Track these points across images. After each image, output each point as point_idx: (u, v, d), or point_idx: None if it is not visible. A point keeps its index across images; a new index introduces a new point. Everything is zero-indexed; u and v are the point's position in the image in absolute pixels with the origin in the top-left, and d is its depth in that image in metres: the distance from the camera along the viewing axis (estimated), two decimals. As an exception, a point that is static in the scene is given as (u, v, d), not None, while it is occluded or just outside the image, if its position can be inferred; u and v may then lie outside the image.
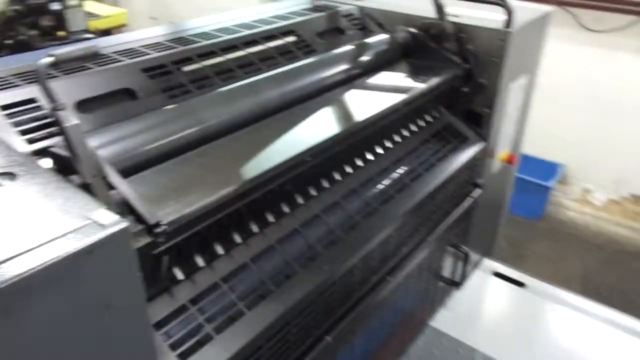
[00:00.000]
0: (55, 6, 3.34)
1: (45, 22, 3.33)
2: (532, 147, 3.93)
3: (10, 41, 3.05)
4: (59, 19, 3.36)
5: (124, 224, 0.57)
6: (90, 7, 4.15)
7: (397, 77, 1.36)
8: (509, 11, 1.37)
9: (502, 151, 1.67)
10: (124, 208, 0.72)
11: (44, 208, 0.59)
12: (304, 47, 1.35)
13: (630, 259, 3.64)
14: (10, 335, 0.51)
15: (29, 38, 3.16)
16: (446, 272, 1.64)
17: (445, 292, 1.71)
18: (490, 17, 1.45)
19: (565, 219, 4.05)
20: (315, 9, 1.56)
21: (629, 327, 1.62)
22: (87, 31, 3.47)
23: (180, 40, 1.21)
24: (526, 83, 1.63)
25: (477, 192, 1.53)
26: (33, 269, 0.50)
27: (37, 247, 0.53)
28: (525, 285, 1.81)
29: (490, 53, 1.42)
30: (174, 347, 0.80)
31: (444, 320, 1.69)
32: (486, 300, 1.80)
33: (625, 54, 3.45)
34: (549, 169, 3.91)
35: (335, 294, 1.06)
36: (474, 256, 1.87)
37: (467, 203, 1.49)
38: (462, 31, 1.43)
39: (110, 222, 0.57)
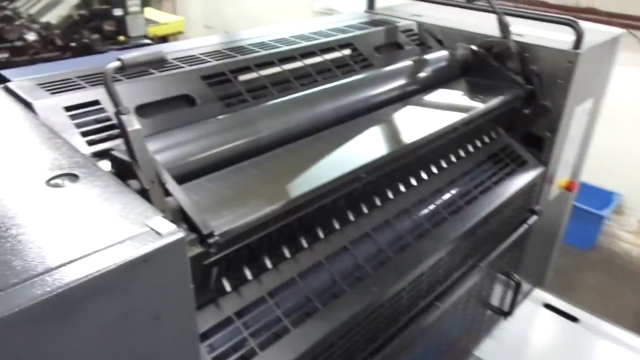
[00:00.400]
0: (118, 12, 3.47)
1: (108, 26, 3.46)
2: (586, 173, 3.77)
3: (73, 44, 3.18)
4: (120, 24, 3.48)
5: (180, 234, 0.56)
6: (150, 14, 4.29)
7: (455, 95, 1.31)
8: (580, 32, 1.31)
9: (562, 177, 1.59)
10: (178, 215, 0.71)
11: (104, 212, 0.58)
12: (361, 61, 1.33)
13: (690, 296, 3.41)
14: (64, 339, 0.50)
15: (91, 41, 3.29)
16: (495, 300, 1.56)
17: (492, 321, 1.64)
18: (556, 38, 1.39)
19: (618, 251, 3.85)
20: (373, 23, 1.54)
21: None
22: (145, 37, 3.58)
23: (239, 50, 1.21)
24: (591, 107, 1.55)
25: (532, 219, 1.45)
26: (90, 275, 0.50)
27: (95, 252, 0.52)
28: (577, 320, 1.70)
29: (556, 74, 1.35)
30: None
31: (489, 350, 1.61)
32: (534, 332, 1.70)
33: (690, 81, 3.27)
34: (603, 197, 3.74)
35: (382, 316, 1.02)
36: (524, 285, 1.78)
37: (521, 230, 1.42)
38: (526, 51, 1.38)
39: (167, 231, 0.56)
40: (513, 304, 1.53)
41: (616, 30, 1.53)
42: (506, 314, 1.57)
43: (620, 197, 3.76)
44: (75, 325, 0.50)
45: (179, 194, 0.72)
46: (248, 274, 0.87)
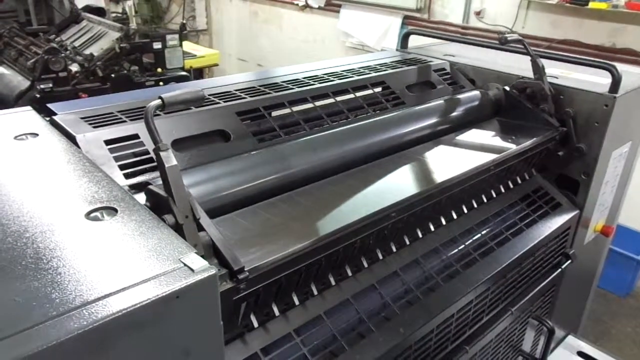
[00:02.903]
0: (157, 45, 3.62)
1: (147, 59, 3.61)
2: (624, 216, 3.66)
3: (113, 75, 3.32)
4: (159, 57, 3.63)
5: (212, 271, 0.56)
6: (187, 47, 4.46)
7: (487, 135, 1.31)
8: (617, 76, 1.30)
9: (598, 221, 1.54)
10: (210, 250, 0.72)
11: (140, 247, 0.60)
12: (393, 99, 1.35)
13: None
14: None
15: (130, 73, 3.43)
16: (527, 346, 1.51)
17: (522, 367, 1.58)
18: (592, 80, 1.38)
19: (657, 298, 3.68)
20: (406, 61, 1.56)
21: None
22: (182, 69, 3.71)
23: (273, 86, 1.24)
24: (629, 151, 1.51)
25: (566, 263, 1.41)
26: (125, 309, 0.51)
27: (131, 287, 0.53)
28: (615, 372, 1.63)
29: (592, 118, 1.33)
30: (242, 398, 0.78)
31: (520, 399, 1.54)
32: (569, 382, 1.63)
33: None
34: (641, 241, 3.61)
35: (410, 359, 1.00)
36: (558, 332, 1.71)
37: (555, 274, 1.38)
38: (561, 93, 1.37)
39: (200, 267, 0.56)
40: (546, 352, 1.47)
41: (653, 74, 1.51)
42: (538, 361, 1.51)
43: (659, 240, 3.63)
44: (108, 357, 0.51)
45: (211, 229, 0.73)
46: (276, 310, 0.86)
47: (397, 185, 1.03)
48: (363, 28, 4.84)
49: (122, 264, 0.57)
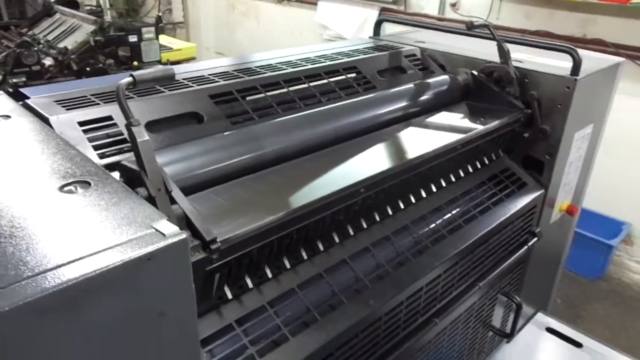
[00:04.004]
0: (133, 39, 3.59)
1: (122, 52, 3.58)
2: (596, 202, 3.78)
3: (88, 68, 3.29)
4: (135, 50, 3.60)
5: (183, 235, 0.59)
6: (163, 40, 4.43)
7: (456, 118, 1.35)
8: (577, 59, 1.35)
9: (563, 201, 1.61)
10: (182, 222, 0.74)
11: (113, 215, 0.62)
12: (364, 84, 1.38)
13: (701, 330, 3.36)
14: (73, 330, 0.53)
15: (105, 66, 3.40)
16: (497, 322, 1.57)
17: (494, 343, 1.63)
18: (556, 64, 1.44)
19: (628, 281, 3.81)
20: (378, 48, 1.60)
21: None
22: (159, 62, 3.69)
23: (246, 71, 1.27)
24: (592, 132, 1.58)
25: (533, 241, 1.47)
26: (98, 270, 0.53)
27: (104, 250, 0.56)
28: (580, 345, 1.70)
29: (555, 100, 1.39)
30: (217, 366, 0.81)
31: (492, 373, 1.61)
32: (536, 356, 1.69)
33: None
34: (612, 226, 3.73)
35: (380, 330, 1.04)
36: (527, 309, 1.78)
37: (522, 251, 1.43)
38: (526, 76, 1.42)
39: (171, 232, 0.59)
40: (514, 326, 1.53)
41: (615, 59, 1.57)
42: (508, 335, 1.57)
43: (630, 227, 3.76)
44: (84, 317, 0.54)
45: (184, 202, 0.75)
46: (249, 282, 0.89)
47: (366, 163, 1.06)
48: (340, 20, 4.87)
49: (95, 230, 0.59)
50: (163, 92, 1.08)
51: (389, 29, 1.92)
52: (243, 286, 0.90)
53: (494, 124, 1.30)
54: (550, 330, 1.79)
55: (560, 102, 1.38)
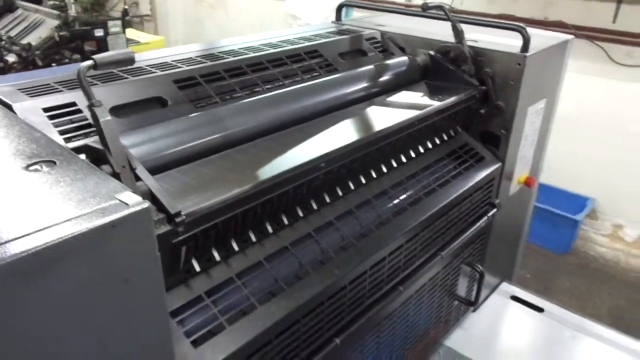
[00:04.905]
0: (99, 33, 3.56)
1: (89, 47, 3.54)
2: (561, 180, 3.92)
3: (54, 64, 3.25)
4: (101, 45, 3.57)
5: (146, 204, 0.63)
6: (131, 34, 4.39)
7: (414, 96, 1.41)
8: (526, 37, 1.42)
9: (521, 174, 1.68)
10: (148, 198, 0.78)
11: (78, 189, 0.65)
12: (326, 67, 1.42)
13: (663, 297, 3.53)
14: (41, 296, 0.57)
15: (72, 61, 3.37)
16: (462, 291, 1.64)
17: (461, 312, 1.71)
18: (508, 43, 1.50)
19: (594, 254, 3.97)
20: (340, 32, 1.65)
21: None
22: (127, 56, 3.66)
23: (210, 57, 1.30)
24: (544, 107, 1.66)
25: (493, 212, 1.54)
26: (63, 237, 0.56)
27: (69, 219, 0.59)
28: (542, 310, 1.79)
29: (507, 76, 1.46)
30: (188, 334, 0.85)
31: (459, 340, 1.68)
32: (502, 322, 1.78)
33: (653, 88, 3.44)
34: (578, 202, 3.88)
35: (345, 298, 1.09)
36: (492, 279, 1.86)
37: (482, 222, 1.51)
38: (480, 55, 1.49)
39: (133, 202, 0.63)
40: (478, 294, 1.61)
41: (564, 36, 1.65)
42: (472, 303, 1.65)
43: (594, 202, 3.90)
44: (52, 283, 0.57)
45: (148, 178, 0.79)
46: (217, 255, 0.94)
47: (327, 140, 1.11)
48: (309, 9, 4.89)
49: (61, 203, 0.63)
50: (127, 78, 1.10)
51: (358, 15, 1.96)
52: (211, 259, 0.94)
53: (449, 100, 1.36)
54: (515, 298, 1.88)
55: (512, 79, 1.44)
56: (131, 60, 0.81)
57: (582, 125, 3.75)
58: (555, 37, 1.63)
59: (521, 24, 1.43)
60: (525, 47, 1.42)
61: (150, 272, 0.68)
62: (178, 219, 0.78)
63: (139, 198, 0.64)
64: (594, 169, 3.82)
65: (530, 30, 1.47)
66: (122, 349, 0.68)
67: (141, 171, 0.79)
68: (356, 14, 1.91)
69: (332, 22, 1.81)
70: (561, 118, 3.79)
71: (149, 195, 0.78)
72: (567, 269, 3.81)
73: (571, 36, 1.66)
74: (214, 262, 0.94)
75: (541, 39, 1.56)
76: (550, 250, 3.91)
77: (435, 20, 1.55)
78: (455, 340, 1.68)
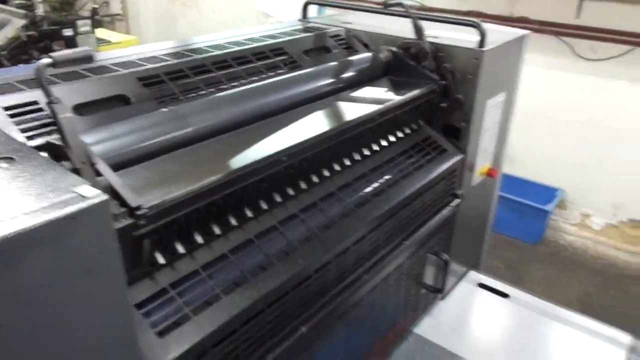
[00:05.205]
0: (68, 32, 3.52)
1: (58, 47, 3.50)
2: (532, 172, 4.03)
3: (21, 64, 3.21)
4: (71, 44, 3.53)
5: (104, 197, 0.65)
6: (102, 34, 4.34)
7: (376, 91, 1.45)
8: (483, 32, 1.47)
9: (483, 165, 1.74)
10: (109, 193, 0.80)
11: (37, 184, 0.67)
12: (290, 63, 1.45)
13: (629, 283, 3.65)
14: (2, 288, 0.59)
15: (41, 61, 3.33)
16: (429, 280, 1.69)
17: (429, 300, 1.77)
18: (467, 38, 1.56)
19: (564, 243, 4.08)
20: (305, 30, 1.68)
21: (607, 336, 1.66)
22: (97, 56, 3.63)
23: (175, 55, 1.32)
24: (504, 100, 1.71)
25: (456, 202, 1.60)
26: (24, 229, 0.58)
27: (30, 212, 0.61)
28: (508, 296, 1.86)
29: (466, 71, 1.51)
30: (153, 325, 0.87)
31: (428, 327, 1.74)
32: (469, 309, 1.84)
33: (618, 82, 3.56)
34: (548, 193, 3.99)
35: (311, 287, 1.13)
36: (459, 268, 1.92)
37: (446, 212, 1.56)
38: (440, 50, 1.53)
39: (92, 195, 0.65)
40: (444, 281, 1.66)
41: (520, 32, 1.71)
42: (438, 290, 1.70)
43: (563, 192, 4.02)
44: (13, 274, 0.59)
45: (109, 173, 0.81)
46: (181, 248, 0.96)
47: (289, 135, 1.14)
48: (281, 7, 4.91)
49: (19, 197, 0.64)
50: (90, 76, 1.12)
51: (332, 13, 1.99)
52: (175, 253, 0.96)
53: (409, 95, 1.40)
54: (482, 286, 1.95)
55: (470, 73, 1.50)
56: (89, 58, 0.83)
57: (550, 119, 3.87)
58: (513, 32, 1.69)
59: (477, 20, 1.48)
60: (482, 42, 1.48)
61: (111, 263, 0.70)
62: (139, 212, 0.80)
63: (97, 191, 0.66)
64: (563, 161, 3.94)
65: (489, 26, 1.53)
66: (85, 340, 0.71)
67: (102, 166, 0.81)
68: (330, 11, 1.94)
69: (299, 20, 1.84)
70: (530, 112, 3.92)
71: (110, 190, 0.80)
72: (538, 258, 3.92)
73: (528, 31, 1.72)
74: (178, 255, 0.96)
75: (498, 34, 1.61)
76: (522, 240, 4.01)
77: (402, 18, 1.59)
78: (425, 327, 1.73)
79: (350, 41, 1.67)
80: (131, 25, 6.33)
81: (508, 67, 1.69)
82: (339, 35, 1.67)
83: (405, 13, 1.49)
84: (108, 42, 4.25)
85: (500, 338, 1.73)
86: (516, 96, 1.80)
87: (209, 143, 1.08)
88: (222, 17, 5.57)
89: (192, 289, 0.95)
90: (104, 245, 0.68)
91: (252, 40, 1.50)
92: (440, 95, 1.53)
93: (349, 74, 1.48)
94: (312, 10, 1.89)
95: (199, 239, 0.99)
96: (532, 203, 3.87)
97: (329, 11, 3.05)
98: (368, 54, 1.58)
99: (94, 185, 0.77)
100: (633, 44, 3.41)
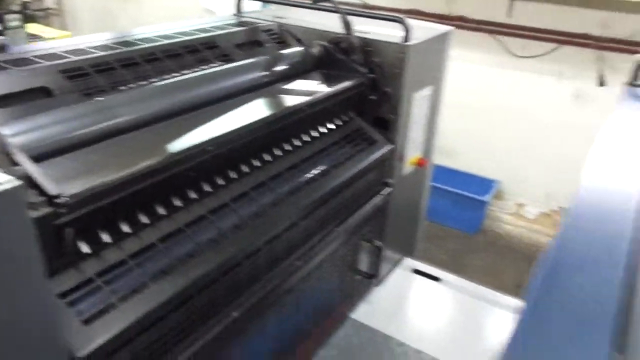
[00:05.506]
0: (-4, 27, 3.37)
1: (-14, 42, 3.35)
2: (470, 165, 4.21)
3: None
4: (-2, 40, 3.38)
5: (17, 183, 0.66)
6: (34, 29, 4.17)
7: (305, 84, 1.50)
8: (407, 28, 1.55)
9: (412, 155, 1.82)
10: (27, 181, 0.80)
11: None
12: (222, 57, 1.47)
13: (560, 267, 3.87)
14: None
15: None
16: (364, 267, 1.76)
17: (365, 286, 1.83)
18: (395, 34, 1.63)
19: (501, 232, 4.28)
20: (238, 24, 1.70)
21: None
22: (29, 51, 3.49)
23: (102, 47, 1.31)
24: (431, 94, 1.80)
25: (387, 191, 1.67)
26: None
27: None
28: (439, 280, 1.96)
29: (393, 65, 1.58)
30: (78, 313, 0.88)
31: (365, 313, 1.80)
32: (404, 293, 1.93)
33: (547, 77, 3.77)
34: (485, 185, 4.17)
35: (242, 274, 1.16)
36: (394, 255, 2.00)
37: (377, 200, 1.63)
38: (368, 45, 1.60)
39: (4, 180, 0.66)
40: (377, 267, 1.73)
41: (445, 28, 1.80)
42: (372, 276, 1.77)
43: (500, 183, 4.21)
44: None
45: (26, 163, 0.81)
46: (107, 238, 0.97)
47: (216, 125, 1.17)
48: (224, 4, 4.87)
49: None
50: (10, 68, 1.10)
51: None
52: (101, 242, 0.97)
53: (337, 87, 1.46)
54: (417, 272, 2.04)
55: (397, 67, 1.57)
56: (2, 48, 0.82)
57: (487, 114, 4.06)
58: (437, 28, 1.78)
59: (400, 16, 1.55)
60: (406, 37, 1.55)
61: (29, 251, 0.71)
62: (58, 201, 0.81)
63: (9, 177, 0.67)
64: (499, 154, 4.14)
65: (415, 22, 1.61)
66: (2, 327, 0.71)
67: (19, 156, 0.81)
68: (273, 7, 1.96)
69: (233, 14, 1.86)
70: (467, 107, 4.08)
71: (27, 179, 0.80)
72: (478, 248, 4.10)
73: (452, 28, 1.82)
74: (105, 244, 0.97)
75: (424, 30, 1.70)
76: (463, 231, 4.18)
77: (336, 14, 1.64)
78: (361, 313, 1.80)
79: (283, 36, 1.71)
80: (67, 21, 6.09)
81: (433, 61, 1.78)
82: (271, 30, 1.70)
83: (334, 8, 1.54)
84: (40, 38, 4.09)
85: (431, 319, 1.83)
86: (443, 90, 1.89)
87: (136, 134, 1.09)
88: (164, 12, 5.47)
89: (120, 278, 0.96)
90: (19, 233, 0.69)
91: (183, 34, 1.51)
92: (369, 88, 1.60)
93: (280, 68, 1.51)
94: (255, 5, 1.92)
95: (127, 229, 1.00)
96: (470, 194, 4.04)
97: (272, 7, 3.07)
98: (300, 48, 1.62)
99: (9, 173, 0.78)
100: (559, 42, 3.63)
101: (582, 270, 0.63)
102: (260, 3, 2.42)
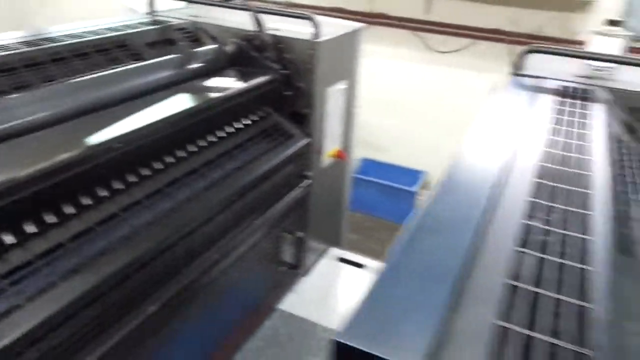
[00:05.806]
0: None
1: None
2: (397, 157, 4.37)
3: None
4: None
5: None
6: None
7: (219, 81, 1.53)
8: (316, 24, 1.61)
9: (331, 148, 1.89)
10: None
11: None
12: (132, 56, 1.47)
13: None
14: None
15: None
16: (289, 258, 1.81)
17: (291, 277, 1.89)
18: (306, 31, 1.68)
19: (431, 221, 4.47)
20: (152, 22, 1.70)
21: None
22: None
23: (3, 48, 1.28)
24: (345, 88, 1.88)
25: (306, 183, 1.73)
26: None
27: None
28: (362, 266, 2.04)
29: (304, 61, 1.64)
30: (-20, 317, 0.87)
31: (292, 303, 1.85)
32: (330, 281, 2.00)
33: (466, 71, 3.98)
34: (412, 176, 4.34)
35: (157, 269, 1.17)
36: (320, 246, 2.07)
37: (297, 192, 1.68)
38: (280, 42, 1.65)
39: None
40: (300, 258, 1.79)
41: (356, 25, 1.88)
42: (295, 267, 1.82)
43: (426, 174, 4.40)
44: None
45: None
46: (11, 239, 0.95)
47: (124, 123, 1.17)
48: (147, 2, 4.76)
49: None
50: None
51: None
52: (5, 245, 0.96)
53: (250, 84, 1.50)
54: (343, 260, 2.11)
55: (308, 63, 1.63)
56: None
57: (413, 108, 4.22)
58: (348, 25, 1.85)
59: (309, 13, 1.61)
60: (316, 35, 1.61)
61: None
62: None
63: None
64: (424, 146, 4.32)
65: (327, 19, 1.67)
66: None
67: None
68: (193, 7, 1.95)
69: (146, 13, 1.85)
70: (391, 103, 4.23)
71: None
72: (409, 237, 4.25)
73: (363, 24, 1.90)
74: (10, 245, 0.96)
75: (335, 27, 1.77)
76: (394, 221, 4.33)
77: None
78: (288, 303, 1.85)
79: (198, 34, 1.72)
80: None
81: (345, 57, 1.86)
82: (185, 29, 1.71)
83: (244, 6, 1.58)
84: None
85: (355, 303, 1.90)
86: (359, 84, 1.97)
87: (40, 134, 1.08)
88: (85, 13, 5.25)
89: (26, 279, 0.95)
90: None
91: (92, 32, 1.49)
92: (283, 84, 1.65)
93: (193, 66, 1.53)
94: (177, 4, 1.91)
95: (33, 229, 0.99)
96: (399, 185, 4.19)
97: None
98: (213, 46, 1.64)
99: None
100: (475, 37, 3.84)
101: (438, 233, 0.72)
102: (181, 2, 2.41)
